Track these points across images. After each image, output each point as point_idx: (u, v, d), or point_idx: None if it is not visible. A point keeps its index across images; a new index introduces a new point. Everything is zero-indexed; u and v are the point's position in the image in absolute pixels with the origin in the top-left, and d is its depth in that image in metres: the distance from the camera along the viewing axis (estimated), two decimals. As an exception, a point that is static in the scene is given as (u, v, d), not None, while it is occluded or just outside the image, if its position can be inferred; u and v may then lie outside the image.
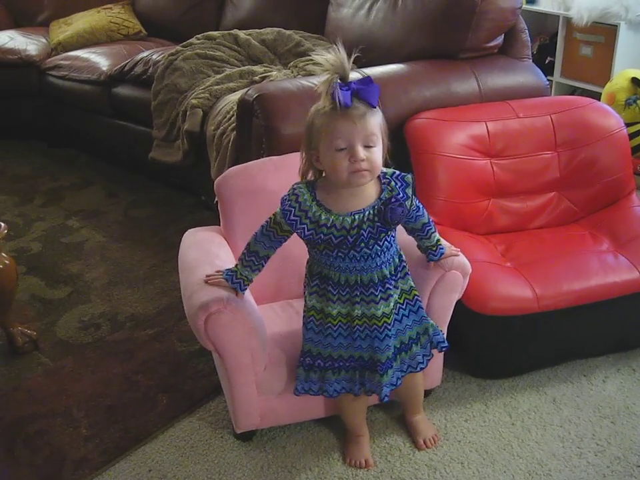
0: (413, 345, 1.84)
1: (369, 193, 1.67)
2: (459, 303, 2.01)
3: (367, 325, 1.75)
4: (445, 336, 1.98)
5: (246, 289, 1.82)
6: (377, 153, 1.61)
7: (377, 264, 1.71)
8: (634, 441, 2.03)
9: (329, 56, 1.55)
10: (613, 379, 2.27)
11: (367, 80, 1.57)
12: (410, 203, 1.69)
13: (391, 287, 1.75)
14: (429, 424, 2.08)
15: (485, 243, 2.40)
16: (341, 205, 1.66)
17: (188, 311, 1.85)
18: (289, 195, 1.69)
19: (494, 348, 2.24)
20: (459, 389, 2.25)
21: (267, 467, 1.98)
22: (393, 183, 1.68)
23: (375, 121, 1.59)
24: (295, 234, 1.71)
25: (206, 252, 2.04)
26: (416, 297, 1.83)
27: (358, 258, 1.69)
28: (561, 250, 2.34)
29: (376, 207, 1.66)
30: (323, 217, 1.65)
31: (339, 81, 1.55)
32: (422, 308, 1.85)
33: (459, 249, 1.95)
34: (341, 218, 1.65)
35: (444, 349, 1.91)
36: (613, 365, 2.34)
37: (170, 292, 2.79)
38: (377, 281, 1.72)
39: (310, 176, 1.72)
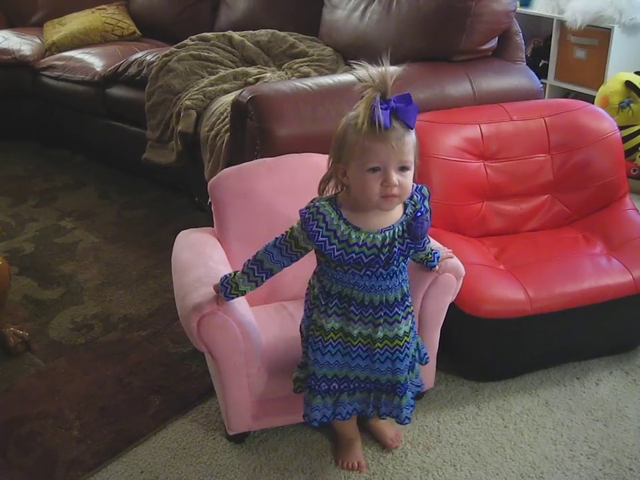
0: (415, 362, 1.83)
1: (395, 209, 1.63)
2: (452, 305, 2.01)
3: (388, 347, 1.71)
4: (438, 338, 1.99)
5: (232, 297, 1.75)
6: (410, 177, 1.56)
7: (399, 281, 1.68)
8: (626, 443, 2.04)
9: (372, 71, 1.50)
10: (606, 382, 2.28)
11: (406, 98, 1.51)
12: (430, 214, 1.67)
13: (409, 304, 1.73)
14: (391, 424, 2.06)
15: (479, 245, 2.40)
16: (369, 222, 1.61)
17: (181, 312, 1.85)
18: (312, 214, 1.60)
19: (487, 350, 2.24)
20: (452, 391, 2.25)
21: (259, 469, 1.98)
22: (415, 197, 1.65)
23: (411, 143, 1.53)
24: (306, 255, 1.68)
25: (199, 253, 2.04)
26: (412, 312, 1.80)
27: (384, 276, 1.64)
28: (554, 253, 2.34)
29: (404, 223, 1.63)
30: (353, 236, 1.59)
31: (379, 98, 1.48)
32: (414, 323, 1.83)
33: (451, 251, 1.95)
34: (372, 236, 1.59)
35: (428, 362, 1.90)
36: (606, 367, 2.34)
37: (163, 293, 2.79)
38: (400, 299, 1.69)
39: (329, 186, 1.66)
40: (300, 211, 1.63)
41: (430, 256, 1.85)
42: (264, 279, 1.73)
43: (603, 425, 2.11)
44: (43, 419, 2.16)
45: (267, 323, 2.05)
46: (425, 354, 1.87)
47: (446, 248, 1.95)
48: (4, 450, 2.05)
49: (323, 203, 1.62)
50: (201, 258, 2.01)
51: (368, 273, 1.63)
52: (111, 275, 2.97)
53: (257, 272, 1.71)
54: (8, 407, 2.21)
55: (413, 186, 1.65)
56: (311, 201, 1.64)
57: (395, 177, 1.52)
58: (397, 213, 1.63)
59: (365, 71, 1.51)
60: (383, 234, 1.60)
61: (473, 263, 2.19)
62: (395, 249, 1.61)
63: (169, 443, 2.07)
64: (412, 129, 1.53)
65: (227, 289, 1.73)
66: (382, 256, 1.61)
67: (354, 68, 1.55)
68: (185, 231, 2.22)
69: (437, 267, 1.89)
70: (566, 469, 1.95)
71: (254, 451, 2.04)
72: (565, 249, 2.37)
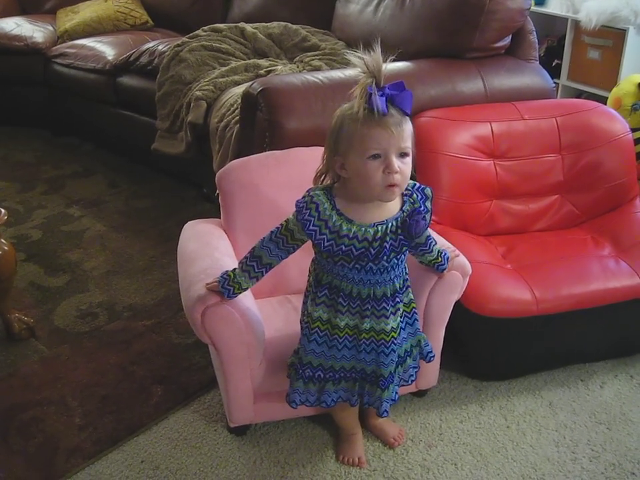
0: (407, 358, 1.82)
1: (392, 204, 1.61)
2: (457, 303, 2.00)
3: (374, 340, 1.71)
4: (442, 336, 1.97)
5: (235, 297, 1.76)
6: (409, 164, 1.55)
7: (390, 277, 1.66)
8: (629, 447, 2.03)
9: (366, 57, 1.48)
10: (610, 385, 2.26)
11: (400, 85, 1.51)
12: (430, 216, 1.65)
13: (400, 301, 1.72)
14: (392, 422, 2.07)
15: (486, 244, 2.39)
16: (363, 215, 1.60)
17: (185, 303, 1.85)
18: (306, 203, 1.60)
19: (491, 350, 2.23)
20: (455, 390, 2.24)
21: (259, 462, 1.97)
22: (415, 195, 1.64)
23: (409, 130, 1.53)
24: (303, 246, 1.68)
25: (205, 244, 2.04)
26: (413, 309, 1.80)
27: (374, 271, 1.63)
28: (562, 253, 2.33)
29: (399, 219, 1.61)
30: (344, 228, 1.58)
31: (374, 85, 1.48)
32: (417, 320, 1.82)
33: (455, 249, 1.94)
34: (363, 229, 1.59)
35: (432, 359, 1.89)
36: (611, 370, 2.33)
37: (168, 283, 2.79)
38: (389, 295, 1.68)
39: (325, 180, 1.65)
40: (296, 201, 1.63)
41: (440, 259, 1.83)
42: (264, 274, 1.74)
43: (606, 428, 2.10)
44: (45, 406, 2.16)
45: (271, 316, 2.05)
46: (429, 352, 1.86)
47: (452, 247, 1.94)
48: (5, 435, 2.05)
49: (317, 192, 1.62)
50: (207, 249, 2.00)
51: (357, 266, 1.63)
52: (117, 263, 2.97)
53: (256, 268, 1.72)
54: (10, 393, 2.22)
55: (415, 185, 1.65)
56: (307, 191, 1.64)
57: (397, 162, 1.52)
58: (392, 208, 1.62)
59: (358, 59, 1.50)
60: (375, 228, 1.59)
61: (480, 262, 2.18)
62: (386, 244, 1.60)
63: (170, 433, 2.07)
64: (408, 115, 1.53)
65: (230, 290, 1.74)
66: (372, 250, 1.60)
67: (348, 57, 1.55)
68: (191, 221, 2.22)
69: (447, 269, 1.87)
70: (567, 472, 1.95)
71: (255, 444, 2.03)
72: (573, 250, 2.36)
